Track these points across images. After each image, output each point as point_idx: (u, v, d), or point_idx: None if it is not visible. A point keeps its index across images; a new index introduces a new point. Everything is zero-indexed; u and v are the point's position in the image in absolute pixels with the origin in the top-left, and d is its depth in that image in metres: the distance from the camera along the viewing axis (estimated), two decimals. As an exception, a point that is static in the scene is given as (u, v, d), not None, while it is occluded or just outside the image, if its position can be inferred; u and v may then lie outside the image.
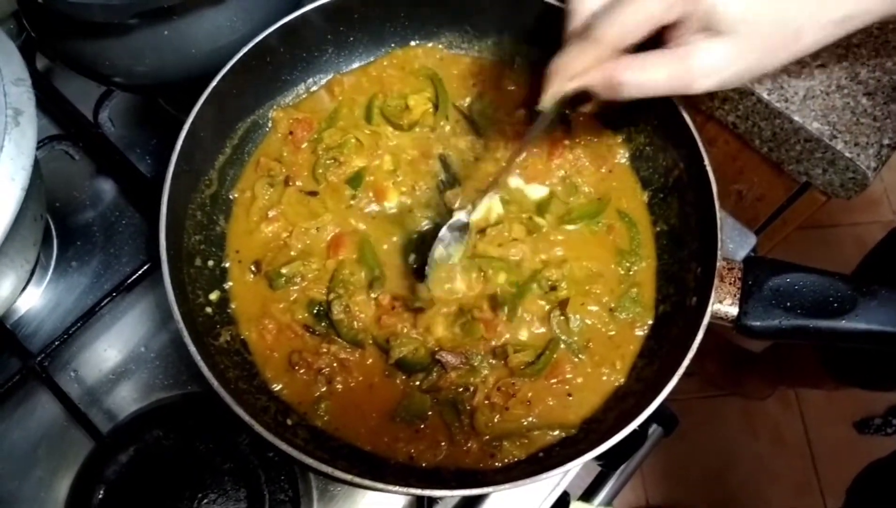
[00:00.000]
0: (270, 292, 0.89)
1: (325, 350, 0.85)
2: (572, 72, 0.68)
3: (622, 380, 0.85)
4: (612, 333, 0.88)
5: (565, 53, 0.69)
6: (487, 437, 0.81)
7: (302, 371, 0.85)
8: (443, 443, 0.81)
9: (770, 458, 2.28)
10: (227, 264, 0.91)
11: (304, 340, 0.87)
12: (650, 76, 0.64)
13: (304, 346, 0.86)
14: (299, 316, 0.88)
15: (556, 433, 0.82)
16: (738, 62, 0.62)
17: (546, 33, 0.97)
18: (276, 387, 0.84)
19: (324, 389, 0.84)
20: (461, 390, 0.84)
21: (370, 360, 0.86)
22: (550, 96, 0.72)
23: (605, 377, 0.86)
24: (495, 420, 0.83)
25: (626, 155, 0.97)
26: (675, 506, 2.23)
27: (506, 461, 0.80)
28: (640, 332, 0.88)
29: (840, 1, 0.62)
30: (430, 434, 0.82)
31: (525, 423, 0.83)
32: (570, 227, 0.94)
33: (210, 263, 0.89)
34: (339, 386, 0.84)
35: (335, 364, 0.85)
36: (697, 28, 0.61)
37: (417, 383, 0.84)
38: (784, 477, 2.25)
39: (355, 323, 0.87)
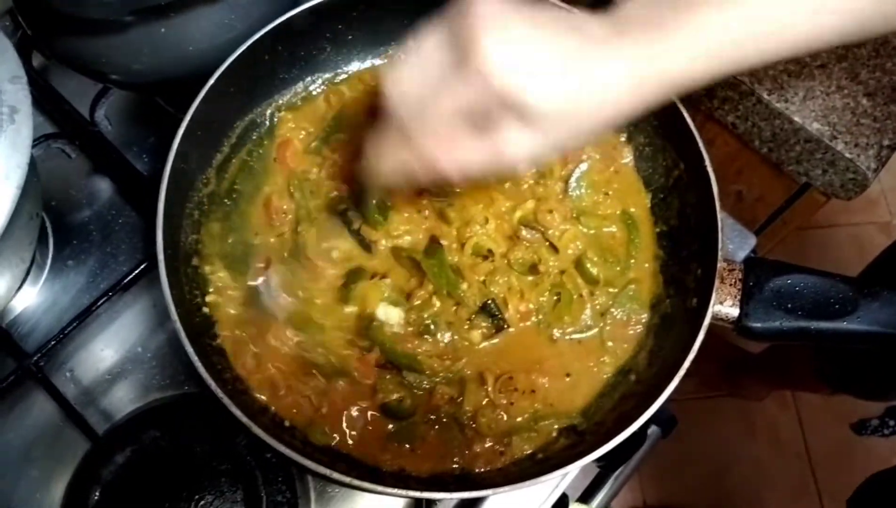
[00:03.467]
0: None
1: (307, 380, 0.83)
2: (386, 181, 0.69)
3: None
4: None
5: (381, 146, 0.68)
6: (493, 438, 0.81)
7: (283, 392, 0.82)
8: (440, 459, 0.80)
9: (767, 459, 2.28)
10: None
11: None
12: (468, 159, 0.63)
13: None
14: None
15: (564, 421, 0.82)
16: (548, 143, 0.62)
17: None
18: (262, 397, 0.82)
19: (311, 414, 0.82)
20: (456, 400, 0.83)
21: (363, 399, 0.83)
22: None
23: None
24: (500, 418, 0.82)
25: (630, 156, 0.97)
26: (673, 507, 2.23)
27: (515, 456, 0.80)
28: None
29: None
30: (425, 454, 0.81)
31: (533, 411, 0.83)
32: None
33: (207, 262, 0.89)
34: (325, 410, 0.82)
35: (315, 395, 0.83)
36: (510, 117, 0.59)
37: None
38: (781, 479, 2.25)
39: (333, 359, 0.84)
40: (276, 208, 0.92)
